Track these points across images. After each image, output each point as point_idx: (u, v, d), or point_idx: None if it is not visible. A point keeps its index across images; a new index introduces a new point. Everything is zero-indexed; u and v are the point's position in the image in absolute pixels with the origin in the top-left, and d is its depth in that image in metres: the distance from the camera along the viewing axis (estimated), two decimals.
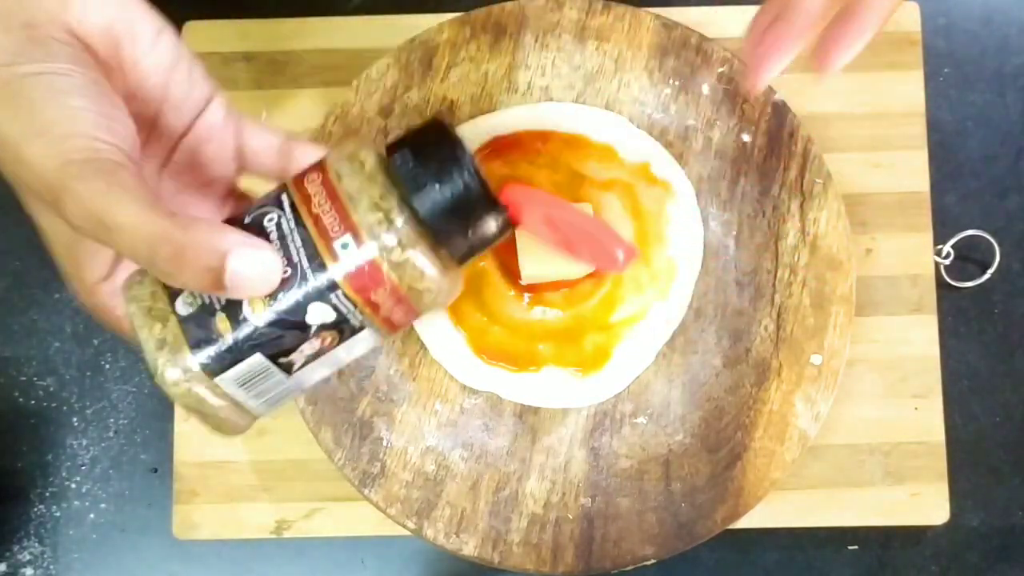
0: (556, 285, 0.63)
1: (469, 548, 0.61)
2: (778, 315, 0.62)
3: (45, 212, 0.41)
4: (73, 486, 0.65)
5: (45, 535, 0.65)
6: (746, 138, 0.64)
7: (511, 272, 0.62)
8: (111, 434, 0.65)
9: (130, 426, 0.65)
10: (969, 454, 0.64)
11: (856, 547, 0.63)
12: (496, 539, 0.61)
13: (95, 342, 0.66)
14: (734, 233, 0.63)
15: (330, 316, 0.37)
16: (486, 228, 0.38)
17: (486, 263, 0.63)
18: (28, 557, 0.64)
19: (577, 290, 0.63)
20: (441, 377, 0.63)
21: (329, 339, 0.38)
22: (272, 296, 0.37)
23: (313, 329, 0.37)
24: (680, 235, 0.63)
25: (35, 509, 0.65)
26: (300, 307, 0.37)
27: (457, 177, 0.36)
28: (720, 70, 0.64)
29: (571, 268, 0.61)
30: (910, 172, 0.65)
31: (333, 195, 0.37)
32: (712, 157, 0.64)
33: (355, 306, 0.37)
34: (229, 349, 0.37)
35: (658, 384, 0.63)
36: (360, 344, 0.39)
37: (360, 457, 0.61)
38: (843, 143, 0.65)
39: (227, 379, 0.38)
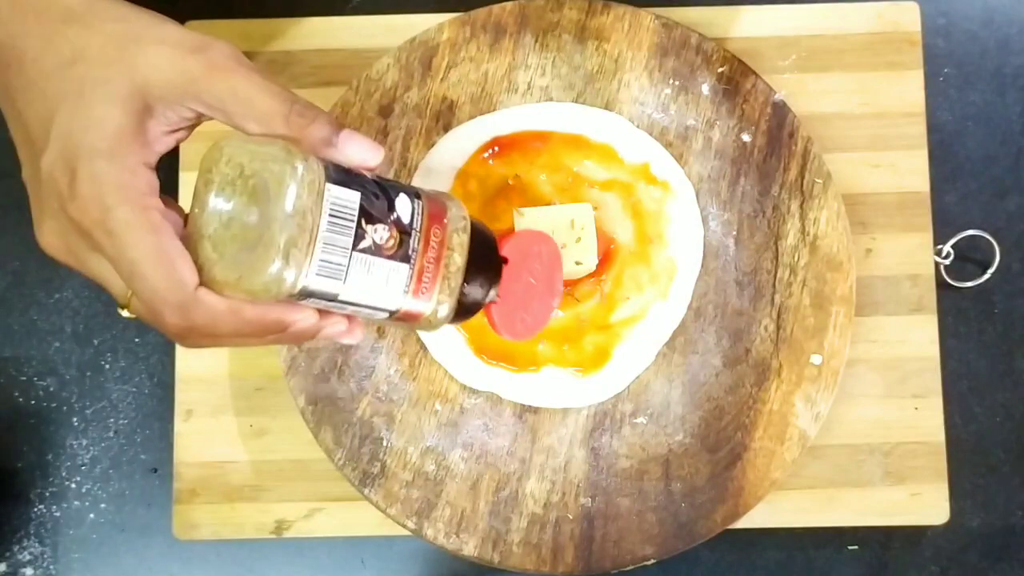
0: None
1: (469, 548, 0.61)
2: (778, 315, 0.62)
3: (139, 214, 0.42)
4: (73, 486, 0.65)
5: (45, 535, 0.65)
6: (746, 138, 0.64)
7: None
8: (111, 434, 0.65)
9: (130, 426, 0.65)
10: (969, 454, 0.64)
11: (856, 547, 0.63)
12: (496, 539, 0.61)
13: (95, 342, 0.66)
14: (734, 233, 0.63)
15: (406, 211, 0.44)
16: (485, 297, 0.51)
17: None
18: (28, 557, 0.64)
19: (577, 290, 0.63)
20: (441, 377, 0.63)
21: (391, 242, 0.44)
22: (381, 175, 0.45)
23: (392, 216, 0.44)
24: (680, 235, 0.63)
25: (35, 509, 0.65)
26: (395, 189, 0.45)
27: (494, 285, 0.51)
28: (720, 70, 0.64)
29: (571, 268, 0.61)
30: (910, 172, 0.65)
31: (439, 257, 0.46)
32: (712, 157, 0.64)
33: (420, 228, 0.45)
34: (346, 171, 0.43)
35: (658, 384, 0.63)
36: (395, 277, 0.44)
37: (360, 457, 0.61)
38: (843, 143, 0.65)
39: (332, 192, 0.42)
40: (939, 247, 0.65)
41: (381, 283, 0.44)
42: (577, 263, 0.61)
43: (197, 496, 0.63)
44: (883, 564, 0.63)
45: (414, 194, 0.46)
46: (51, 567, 0.64)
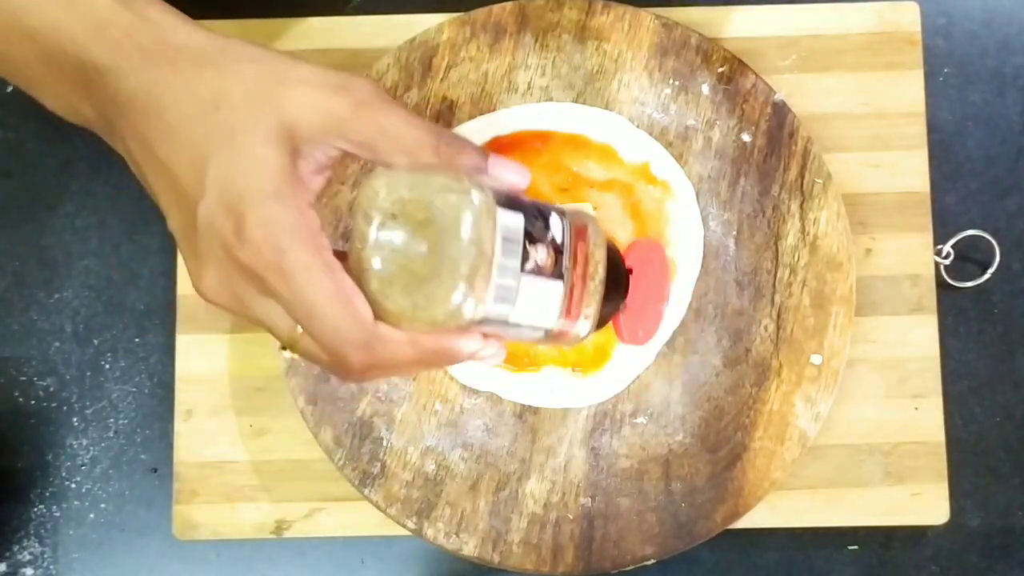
0: None
1: (469, 548, 0.61)
2: (778, 315, 0.62)
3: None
4: (73, 486, 0.65)
5: (45, 535, 0.65)
6: (746, 138, 0.64)
7: None
8: (111, 434, 0.65)
9: (130, 426, 0.65)
10: (969, 454, 0.64)
11: (856, 547, 0.63)
12: (496, 539, 0.61)
13: (95, 342, 0.66)
14: (734, 233, 0.63)
15: (558, 229, 0.45)
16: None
17: None
18: (28, 557, 0.64)
19: None
20: (441, 377, 0.63)
21: (549, 260, 0.44)
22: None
23: (549, 235, 0.45)
24: (680, 235, 0.63)
25: (35, 509, 0.65)
26: (546, 208, 0.46)
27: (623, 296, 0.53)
28: (720, 70, 0.64)
29: None
30: (910, 172, 0.65)
31: (585, 274, 0.47)
32: (712, 157, 0.64)
33: (569, 246, 0.46)
34: (504, 194, 0.44)
35: (658, 384, 0.63)
36: (553, 296, 0.45)
37: (360, 457, 0.61)
38: (843, 143, 0.65)
39: (502, 217, 0.42)
40: (939, 247, 0.65)
41: (542, 303, 0.45)
42: None
43: (197, 496, 0.63)
44: (883, 564, 0.63)
45: (560, 212, 0.46)
46: (51, 567, 0.64)
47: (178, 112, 0.41)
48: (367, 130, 0.42)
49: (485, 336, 0.45)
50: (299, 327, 0.42)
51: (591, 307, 0.47)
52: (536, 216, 0.44)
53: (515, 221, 0.43)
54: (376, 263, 0.42)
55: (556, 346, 0.52)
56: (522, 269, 0.43)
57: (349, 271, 0.42)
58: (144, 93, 0.42)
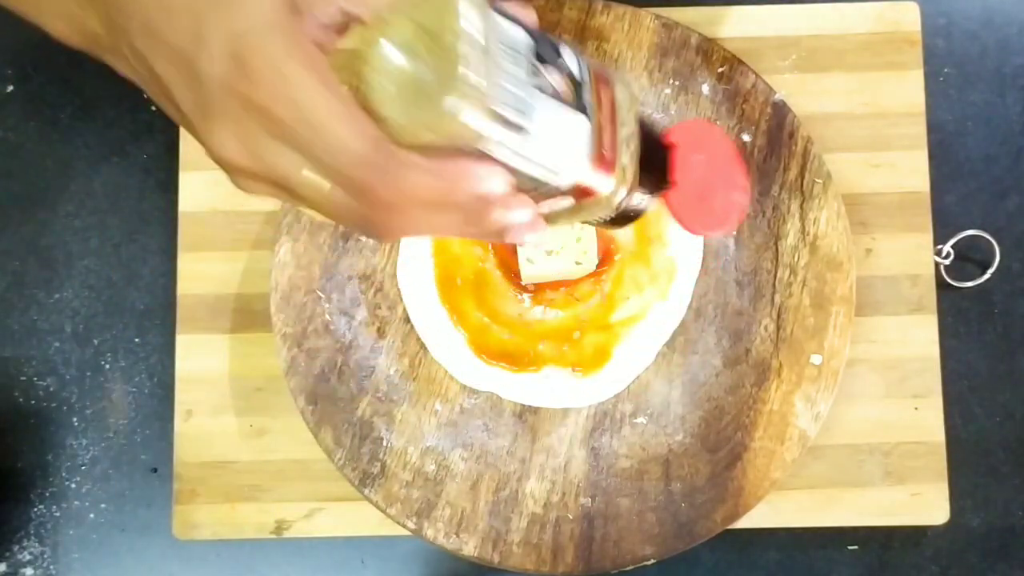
0: (556, 285, 0.63)
1: (469, 548, 0.61)
2: (778, 315, 0.62)
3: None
4: (73, 486, 0.65)
5: (45, 535, 0.65)
6: (746, 138, 0.64)
7: (511, 272, 0.62)
8: (111, 434, 0.65)
9: (130, 426, 0.65)
10: (969, 454, 0.64)
11: (856, 547, 0.63)
12: (496, 539, 0.61)
13: (95, 342, 0.66)
14: (734, 233, 0.63)
15: (572, 61, 0.41)
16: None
17: (486, 263, 0.63)
18: (28, 557, 0.64)
19: (577, 290, 0.63)
20: (441, 377, 0.63)
21: (566, 88, 0.41)
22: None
23: (560, 61, 0.41)
24: (680, 235, 0.63)
25: (35, 509, 0.65)
26: (556, 40, 0.42)
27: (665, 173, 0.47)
28: (720, 70, 0.64)
29: (571, 268, 0.61)
30: (910, 172, 0.65)
31: (613, 118, 0.43)
32: None
33: (589, 83, 0.42)
34: (506, 13, 0.41)
35: (658, 384, 0.63)
36: (579, 132, 0.41)
37: (360, 457, 0.61)
38: (843, 143, 0.65)
39: (499, 21, 0.39)
40: (939, 247, 0.65)
41: (565, 133, 0.41)
42: (577, 263, 0.61)
43: (197, 496, 0.63)
44: (883, 564, 0.63)
45: (578, 52, 0.43)
46: (51, 567, 0.64)
47: None
48: None
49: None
50: (323, 179, 0.40)
51: (627, 160, 0.43)
52: (547, 44, 0.41)
53: (518, 32, 0.40)
54: (374, 78, 0.40)
55: (600, 219, 0.45)
56: (533, 83, 0.40)
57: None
58: None
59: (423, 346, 0.63)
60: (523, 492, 0.61)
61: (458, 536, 0.61)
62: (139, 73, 0.44)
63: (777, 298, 0.63)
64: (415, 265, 0.63)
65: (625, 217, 0.45)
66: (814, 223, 0.63)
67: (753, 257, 0.63)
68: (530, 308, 0.63)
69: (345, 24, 0.42)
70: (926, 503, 0.62)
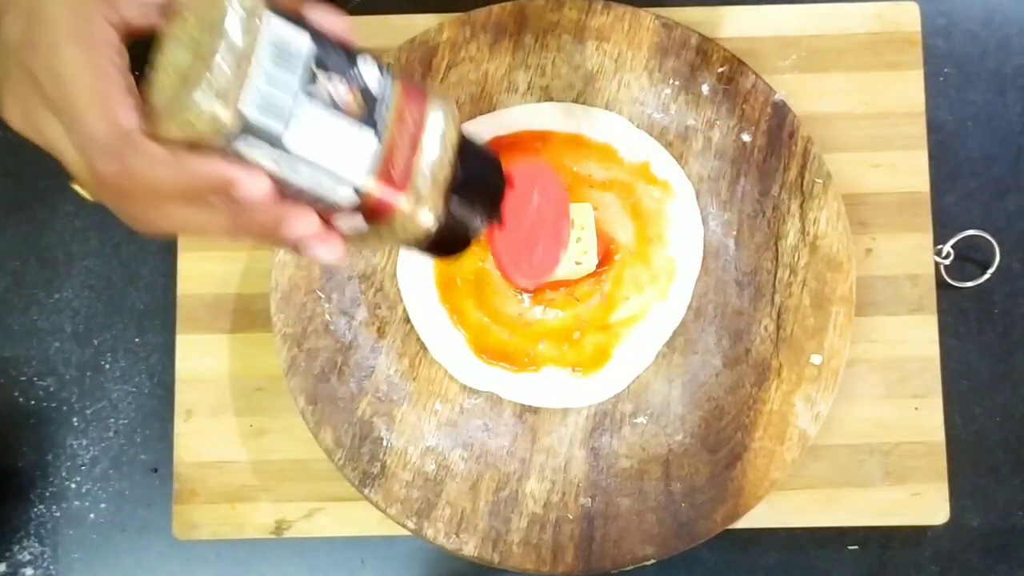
0: (556, 285, 0.63)
1: (469, 548, 0.61)
2: (778, 315, 0.62)
3: (72, 39, 0.40)
4: (73, 486, 0.65)
5: (45, 535, 0.65)
6: (746, 138, 0.64)
7: None
8: (111, 434, 0.65)
9: (130, 426, 0.65)
10: (969, 454, 0.64)
11: (856, 547, 0.63)
12: (496, 539, 0.61)
13: (95, 342, 0.66)
14: (734, 233, 0.63)
15: (372, 75, 0.41)
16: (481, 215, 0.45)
17: (486, 263, 0.63)
18: (28, 557, 0.64)
19: (577, 290, 0.63)
20: (441, 377, 0.63)
21: (352, 100, 0.40)
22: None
23: (353, 72, 0.41)
24: (680, 235, 0.63)
25: (35, 509, 0.65)
26: (361, 54, 0.41)
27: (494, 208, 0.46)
28: (720, 70, 0.64)
29: (571, 268, 0.61)
30: (910, 172, 0.65)
31: (416, 142, 0.42)
32: (712, 157, 0.64)
33: (389, 100, 0.41)
34: (299, 18, 0.40)
35: (658, 384, 0.63)
36: (359, 144, 0.40)
37: (360, 457, 0.61)
38: (843, 143, 0.65)
39: (273, 22, 0.39)
40: (939, 247, 0.65)
41: (340, 145, 0.40)
42: (577, 263, 0.61)
43: (197, 496, 0.63)
44: (883, 564, 0.63)
45: (385, 65, 0.42)
46: (51, 567, 0.64)
47: None
48: None
49: (286, 201, 0.41)
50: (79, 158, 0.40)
51: (427, 185, 0.42)
52: (339, 54, 0.40)
53: (296, 36, 0.39)
54: (159, 67, 0.40)
55: (389, 237, 0.43)
56: (304, 90, 0.39)
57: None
58: None
59: (423, 346, 0.63)
60: (523, 492, 0.61)
61: (458, 536, 0.61)
62: None
63: (777, 298, 0.63)
64: (415, 265, 0.63)
65: (444, 246, 0.44)
66: (814, 223, 0.63)
67: (753, 257, 0.63)
68: (530, 308, 0.63)
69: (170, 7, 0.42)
70: (926, 503, 0.62)
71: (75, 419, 0.66)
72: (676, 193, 0.63)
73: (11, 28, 0.41)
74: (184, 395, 0.64)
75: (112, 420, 0.65)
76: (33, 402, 0.66)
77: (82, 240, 0.67)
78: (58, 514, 0.65)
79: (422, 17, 0.66)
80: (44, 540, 0.65)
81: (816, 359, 0.62)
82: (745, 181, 0.64)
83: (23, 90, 0.41)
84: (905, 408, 0.63)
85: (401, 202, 0.42)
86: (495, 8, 0.65)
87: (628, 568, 0.60)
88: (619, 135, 0.64)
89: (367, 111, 0.41)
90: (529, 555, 0.61)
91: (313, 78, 0.39)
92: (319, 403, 0.62)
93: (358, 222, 0.42)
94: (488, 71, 0.65)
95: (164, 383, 0.65)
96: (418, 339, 0.63)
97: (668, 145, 0.64)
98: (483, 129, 0.64)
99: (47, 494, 0.65)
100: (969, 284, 0.65)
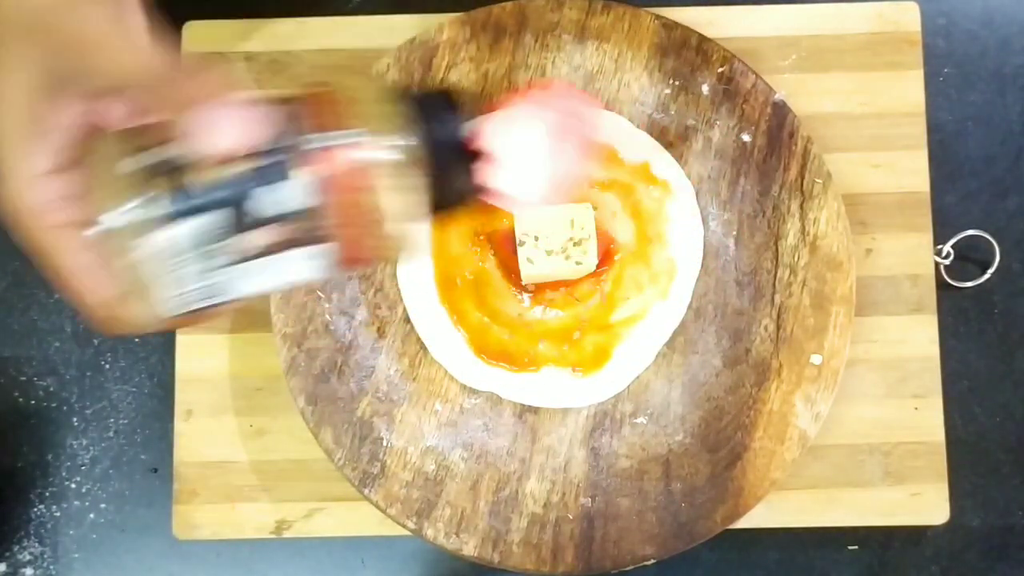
0: (556, 285, 0.63)
1: (469, 548, 0.61)
2: (778, 315, 0.62)
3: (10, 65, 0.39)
4: (73, 486, 0.65)
5: (45, 535, 0.65)
6: (746, 138, 0.64)
7: (511, 272, 0.62)
8: (111, 434, 0.65)
9: (130, 426, 0.65)
10: (969, 454, 0.64)
11: (856, 547, 0.63)
12: (496, 539, 0.61)
13: (95, 342, 0.66)
14: (734, 233, 0.63)
15: (294, 198, 0.38)
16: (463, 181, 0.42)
17: (486, 263, 0.63)
18: (28, 557, 0.64)
19: (577, 290, 0.63)
20: (441, 377, 0.63)
21: (277, 237, 0.38)
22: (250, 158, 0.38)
23: (276, 209, 0.38)
24: (680, 235, 0.63)
25: (35, 509, 0.65)
26: (275, 170, 0.38)
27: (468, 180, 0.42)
28: (720, 70, 0.64)
29: (571, 268, 0.61)
30: (910, 172, 0.65)
31: (369, 220, 0.39)
32: (712, 157, 0.64)
33: (324, 203, 0.38)
34: (200, 186, 0.38)
35: (658, 384, 0.63)
36: (316, 256, 0.39)
37: (360, 457, 0.61)
38: (843, 143, 0.65)
39: (167, 236, 0.38)
40: (939, 247, 0.65)
41: (296, 266, 0.39)
42: (577, 263, 0.61)
43: (197, 496, 0.63)
44: (883, 564, 0.63)
45: (301, 163, 0.38)
46: (51, 567, 0.64)
47: None
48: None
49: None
50: None
51: (381, 244, 0.40)
52: (240, 200, 0.38)
53: (194, 227, 0.38)
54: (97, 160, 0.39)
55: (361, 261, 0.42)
56: (223, 265, 0.38)
57: None
58: None
59: (423, 346, 0.63)
60: (523, 492, 0.61)
61: (458, 536, 0.61)
62: None
63: (777, 298, 0.63)
64: (415, 265, 0.63)
65: (439, 211, 0.42)
66: (814, 223, 0.63)
67: (753, 257, 0.63)
68: (530, 308, 0.63)
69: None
70: (926, 503, 0.62)
71: (75, 419, 0.66)
72: (676, 193, 0.63)
73: None
74: (184, 395, 0.64)
75: (112, 420, 0.65)
76: (33, 402, 0.66)
77: None
78: (58, 514, 0.65)
79: (422, 17, 0.66)
80: (44, 540, 0.65)
81: (816, 359, 0.62)
82: (745, 181, 0.64)
83: None
84: (905, 408, 0.63)
85: (376, 256, 0.41)
86: (495, 8, 0.65)
87: (628, 568, 0.60)
88: (619, 135, 0.64)
89: (308, 230, 0.39)
90: (529, 555, 0.61)
91: (226, 248, 0.38)
92: (319, 403, 0.62)
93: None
94: (488, 71, 0.65)
95: (164, 383, 0.65)
96: (418, 339, 0.63)
97: (668, 145, 0.64)
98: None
99: (47, 494, 0.65)
100: (969, 284, 0.65)
